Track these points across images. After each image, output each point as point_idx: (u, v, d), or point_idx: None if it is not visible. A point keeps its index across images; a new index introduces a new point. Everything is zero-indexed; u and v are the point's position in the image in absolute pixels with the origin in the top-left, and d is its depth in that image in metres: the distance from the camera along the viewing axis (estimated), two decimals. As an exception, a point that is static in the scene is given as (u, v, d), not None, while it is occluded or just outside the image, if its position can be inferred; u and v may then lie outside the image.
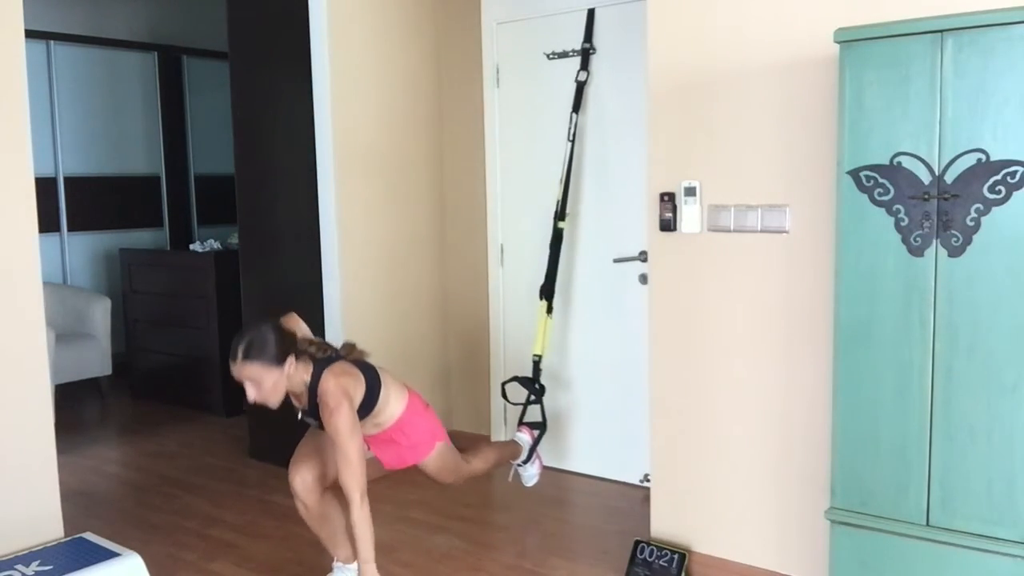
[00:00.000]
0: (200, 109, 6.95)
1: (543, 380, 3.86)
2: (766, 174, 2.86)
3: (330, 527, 2.95)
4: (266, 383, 2.59)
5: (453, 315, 4.61)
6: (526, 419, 3.75)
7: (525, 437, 3.58)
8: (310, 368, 2.69)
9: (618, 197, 3.95)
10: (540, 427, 3.67)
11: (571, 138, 3.92)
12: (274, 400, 2.65)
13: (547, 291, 3.90)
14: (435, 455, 2.99)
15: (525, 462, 3.56)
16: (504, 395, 3.81)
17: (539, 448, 3.61)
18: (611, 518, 3.70)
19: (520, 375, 3.83)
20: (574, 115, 3.93)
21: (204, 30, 6.71)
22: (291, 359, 2.62)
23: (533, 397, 3.79)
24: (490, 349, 4.48)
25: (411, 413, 2.92)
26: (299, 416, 2.85)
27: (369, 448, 2.95)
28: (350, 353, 2.86)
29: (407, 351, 4.38)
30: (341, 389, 2.64)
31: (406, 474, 4.17)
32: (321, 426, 2.75)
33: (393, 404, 2.88)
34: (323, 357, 2.74)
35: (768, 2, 2.80)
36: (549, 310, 3.90)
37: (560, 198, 3.92)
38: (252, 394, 2.62)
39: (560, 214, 3.93)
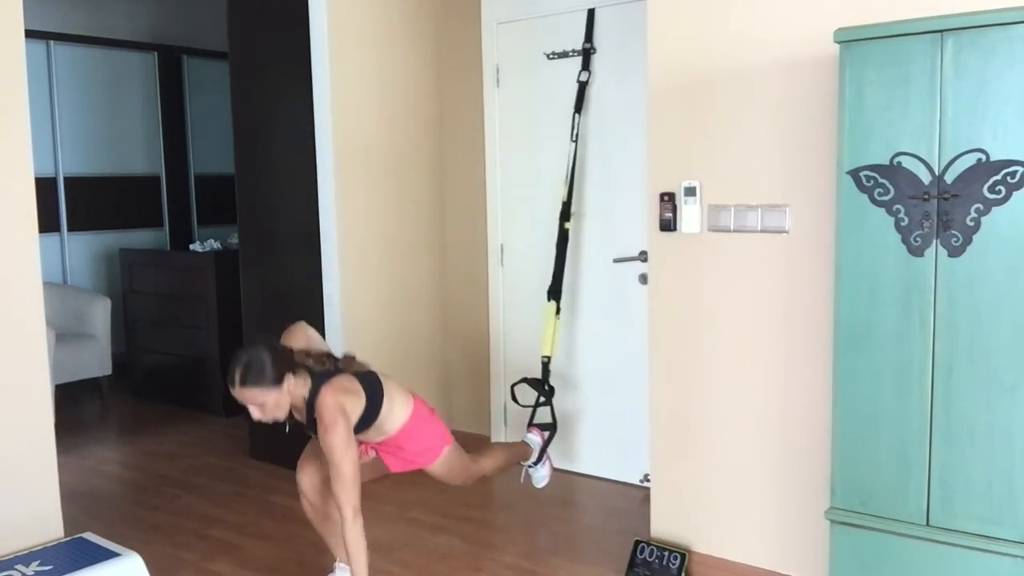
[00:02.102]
0: (200, 109, 6.94)
1: (552, 381, 3.86)
2: (766, 174, 2.86)
3: (334, 527, 2.95)
4: (268, 404, 2.62)
5: (453, 315, 4.61)
6: (536, 420, 3.74)
7: (535, 438, 3.57)
8: (308, 383, 2.69)
9: (618, 197, 3.95)
10: (550, 428, 3.67)
11: (574, 138, 3.92)
12: (280, 415, 2.68)
13: (555, 292, 3.90)
14: (442, 460, 2.99)
15: (536, 463, 3.56)
16: (514, 397, 3.79)
17: (548, 449, 3.61)
18: (611, 518, 3.70)
19: (528, 376, 3.81)
20: (576, 116, 3.93)
21: (204, 30, 6.71)
22: (289, 377, 2.63)
23: (543, 398, 3.78)
24: (490, 349, 4.48)
25: (416, 420, 2.91)
26: (304, 425, 2.85)
27: (377, 454, 2.97)
28: (349, 366, 2.83)
29: (407, 351, 4.38)
30: (337, 406, 2.64)
31: (407, 474, 4.17)
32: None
33: (398, 412, 2.87)
34: (321, 371, 2.73)
35: (768, 2, 2.80)
36: (557, 311, 3.89)
37: (565, 199, 3.92)
38: (256, 414, 2.65)
39: (565, 214, 3.93)
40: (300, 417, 2.77)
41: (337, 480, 2.61)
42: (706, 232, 3.00)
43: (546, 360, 3.86)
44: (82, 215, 6.30)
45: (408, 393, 2.94)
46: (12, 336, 2.87)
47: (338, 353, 2.94)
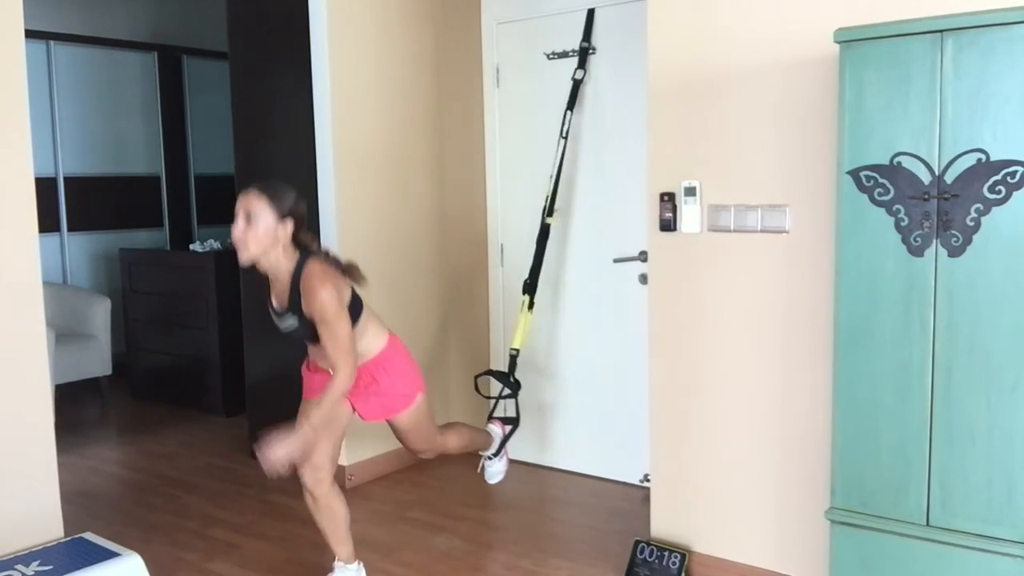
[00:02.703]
0: (200, 109, 6.95)
1: (519, 375, 3.78)
2: (766, 174, 2.86)
3: (335, 522, 2.95)
4: (259, 224, 2.63)
5: (453, 315, 4.61)
6: (498, 414, 3.68)
7: (497, 430, 3.53)
8: (295, 258, 2.69)
9: (618, 197, 3.95)
10: (513, 423, 3.61)
11: (564, 135, 3.91)
12: (252, 247, 2.65)
13: (530, 286, 3.85)
14: (415, 408, 2.95)
15: (493, 456, 3.52)
16: (476, 388, 3.74)
17: (509, 445, 3.56)
18: (611, 518, 3.70)
19: (494, 368, 3.77)
20: (568, 113, 3.92)
21: (204, 30, 6.72)
22: (290, 223, 2.65)
23: (508, 391, 3.71)
24: (490, 349, 4.48)
25: (392, 350, 2.89)
26: (276, 320, 2.81)
27: (350, 403, 2.87)
28: (350, 269, 2.80)
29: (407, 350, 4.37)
30: (327, 274, 2.65)
31: (406, 474, 4.18)
32: (300, 327, 2.71)
33: (373, 334, 2.84)
34: (313, 251, 2.73)
35: (768, 2, 2.80)
36: (531, 306, 3.84)
37: (550, 194, 3.90)
38: (239, 228, 2.65)
39: (549, 210, 3.90)
40: (278, 302, 2.76)
41: (333, 342, 2.60)
42: (706, 232, 3.00)
43: (514, 353, 3.79)
44: (82, 215, 6.31)
45: (384, 327, 2.92)
46: (12, 336, 2.87)
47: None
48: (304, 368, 3.00)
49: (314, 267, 2.67)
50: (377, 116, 4.22)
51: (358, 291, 2.85)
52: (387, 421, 3.00)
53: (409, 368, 2.96)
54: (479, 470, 3.60)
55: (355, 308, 2.78)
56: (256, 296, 4.45)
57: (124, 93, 6.57)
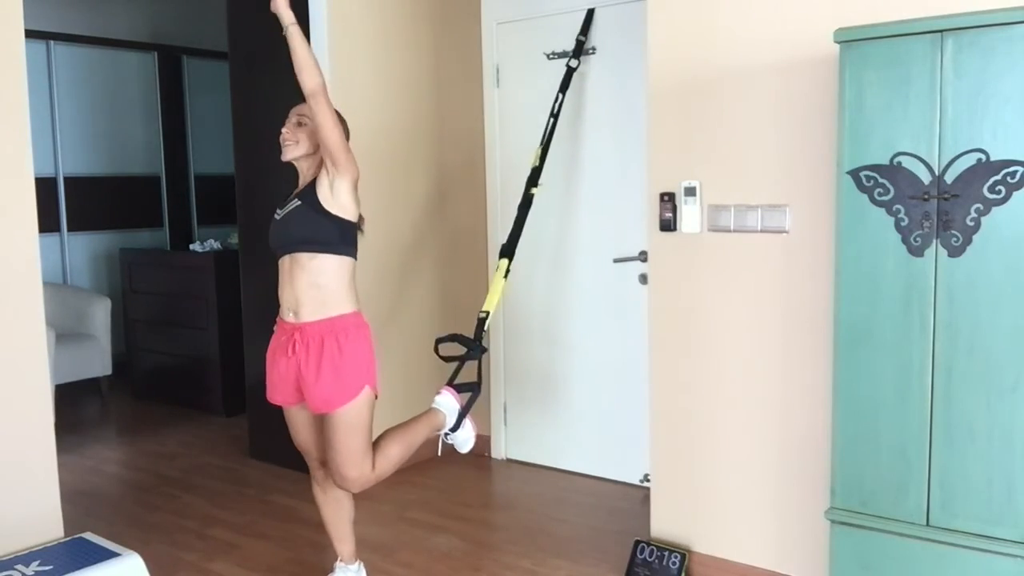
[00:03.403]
0: (200, 109, 6.95)
1: (485, 342, 3.51)
2: (766, 174, 2.86)
3: (340, 515, 2.95)
4: (307, 127, 2.84)
5: (453, 315, 4.61)
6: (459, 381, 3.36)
7: (449, 401, 3.14)
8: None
9: (618, 197, 3.95)
10: (475, 388, 3.26)
11: (554, 113, 3.88)
12: (297, 147, 2.85)
13: (508, 251, 3.69)
14: (359, 402, 2.69)
15: (454, 429, 3.12)
16: (437, 352, 3.36)
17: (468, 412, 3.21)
18: (611, 518, 3.70)
19: (460, 333, 3.44)
20: (560, 94, 3.90)
21: (204, 30, 6.72)
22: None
23: (472, 354, 3.40)
24: (490, 349, 4.47)
25: (358, 324, 2.74)
26: (278, 212, 2.85)
27: (300, 390, 2.74)
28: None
29: (406, 350, 4.38)
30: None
31: (406, 474, 4.18)
32: (295, 211, 2.75)
33: (348, 294, 2.74)
34: None
35: (768, 2, 2.80)
36: (507, 272, 3.67)
37: (536, 164, 3.83)
38: (290, 128, 2.87)
39: (533, 180, 3.81)
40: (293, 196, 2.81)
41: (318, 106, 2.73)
42: (706, 232, 3.00)
43: (484, 316, 3.53)
44: (82, 215, 6.31)
45: (359, 306, 2.80)
46: (12, 336, 2.87)
47: None
48: (268, 353, 2.84)
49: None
50: (377, 116, 4.22)
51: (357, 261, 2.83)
52: (324, 422, 2.75)
53: (365, 353, 2.75)
54: (440, 451, 3.20)
55: (353, 245, 2.78)
56: (256, 296, 4.46)
57: (124, 93, 6.57)
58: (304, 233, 2.71)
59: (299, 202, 2.77)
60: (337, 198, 2.71)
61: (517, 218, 3.81)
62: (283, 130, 2.88)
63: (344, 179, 2.71)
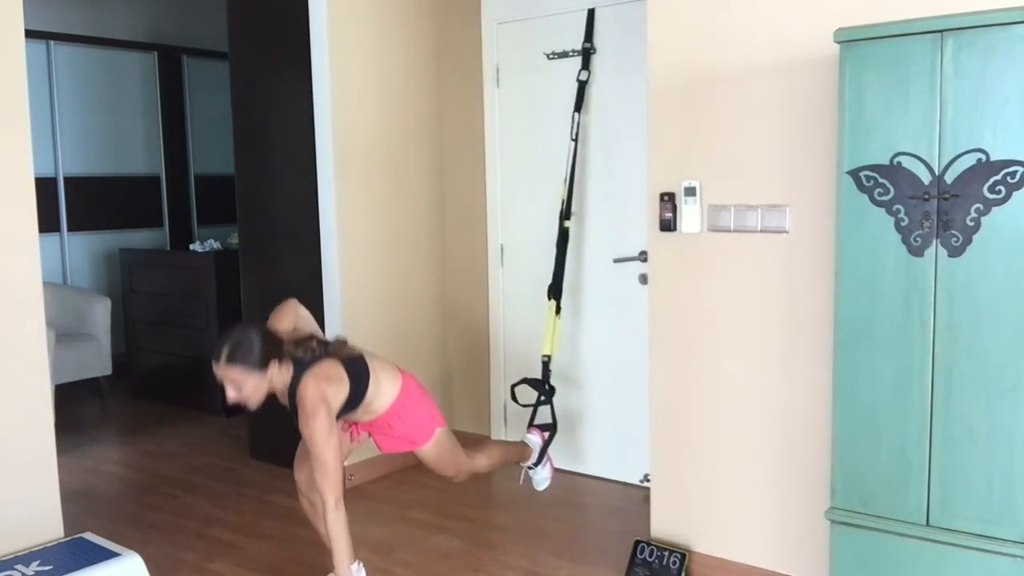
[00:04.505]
0: (200, 109, 6.95)
1: (552, 381, 3.84)
2: (766, 174, 2.86)
3: None
4: (247, 386, 2.60)
5: (453, 315, 4.61)
6: (536, 421, 3.71)
7: (535, 439, 3.54)
8: (291, 370, 2.68)
9: (618, 197, 3.95)
10: (551, 429, 3.63)
11: (574, 137, 3.92)
12: (253, 402, 2.65)
13: (555, 291, 3.87)
14: (434, 442, 2.97)
15: (536, 464, 3.52)
16: (514, 397, 3.75)
17: (549, 450, 3.58)
18: (611, 518, 3.70)
19: (529, 377, 3.79)
20: (576, 115, 3.93)
21: (204, 30, 6.71)
22: (274, 364, 2.62)
23: (544, 398, 3.75)
24: (490, 349, 4.48)
25: (405, 398, 2.89)
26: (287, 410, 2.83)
27: (370, 435, 2.96)
28: (340, 351, 2.80)
29: (407, 351, 4.37)
30: (319, 394, 2.63)
31: (406, 474, 4.18)
32: None
33: (386, 391, 2.85)
34: (304, 357, 2.71)
35: (768, 2, 2.80)
36: (558, 310, 3.87)
37: (565, 197, 3.92)
38: (232, 395, 2.62)
39: (566, 213, 3.92)
40: (283, 402, 2.77)
41: (319, 469, 2.61)
42: (706, 232, 3.00)
43: (546, 359, 3.84)
44: (82, 215, 6.30)
45: (396, 371, 2.92)
46: (12, 336, 2.87)
47: (330, 336, 2.95)
48: None
49: (307, 388, 2.64)
50: (377, 116, 4.22)
51: (360, 352, 2.85)
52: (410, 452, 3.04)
53: (424, 411, 2.96)
54: (522, 481, 3.59)
55: (359, 379, 2.77)
56: (256, 296, 4.46)
57: (124, 93, 6.57)
58: None
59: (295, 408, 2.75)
60: None
61: (557, 255, 3.93)
62: (229, 397, 2.64)
63: None
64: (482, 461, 3.22)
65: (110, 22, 6.45)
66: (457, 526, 3.65)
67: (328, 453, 2.60)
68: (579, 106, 3.94)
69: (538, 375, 3.83)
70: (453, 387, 4.63)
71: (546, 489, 3.61)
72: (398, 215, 4.34)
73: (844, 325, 2.43)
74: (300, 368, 2.68)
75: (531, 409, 3.77)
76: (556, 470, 3.65)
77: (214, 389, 5.34)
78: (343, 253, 4.08)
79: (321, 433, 2.60)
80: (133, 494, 4.12)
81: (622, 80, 3.88)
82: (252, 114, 4.42)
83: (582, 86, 3.94)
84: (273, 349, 2.63)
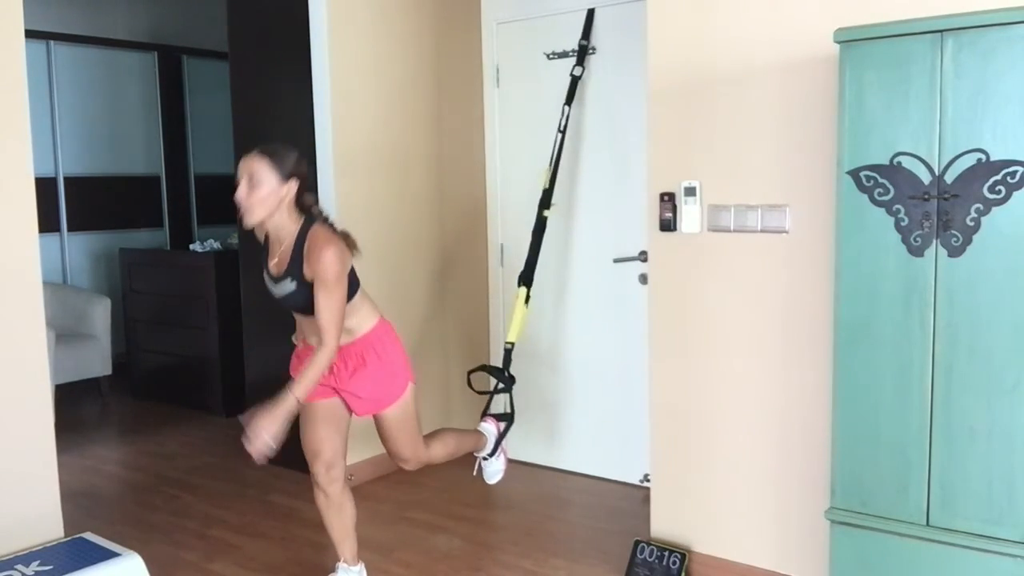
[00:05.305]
0: (200, 109, 6.95)
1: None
2: (766, 174, 2.86)
3: (344, 520, 2.94)
4: (263, 187, 2.60)
5: (453, 315, 4.61)
6: (493, 411, 3.60)
7: (491, 428, 3.44)
8: (300, 220, 2.69)
9: (618, 197, 3.95)
10: (508, 419, 3.52)
11: (561, 129, 3.89)
12: (257, 211, 2.63)
13: (526, 279, 3.79)
14: (405, 399, 2.89)
15: (490, 455, 3.43)
16: (470, 384, 3.63)
17: (507, 443, 3.47)
18: (611, 518, 3.70)
19: (489, 364, 3.71)
20: (567, 107, 3.92)
21: (204, 30, 6.72)
22: (294, 183, 2.64)
23: (503, 386, 3.64)
24: (490, 349, 4.48)
25: (384, 332, 2.87)
26: (271, 285, 2.77)
27: (339, 397, 2.86)
28: (344, 240, 2.77)
29: (407, 350, 4.36)
30: (333, 237, 2.66)
31: (406, 474, 4.18)
32: (294, 293, 2.67)
33: (367, 313, 2.84)
34: (316, 215, 2.74)
35: (768, 2, 2.80)
36: (527, 299, 3.78)
37: (547, 187, 3.88)
38: (242, 192, 2.62)
39: (545, 202, 3.86)
40: (279, 265, 2.71)
41: (327, 308, 2.58)
42: (706, 232, 3.00)
43: (509, 347, 3.72)
44: (82, 215, 6.31)
45: (377, 310, 2.92)
46: (12, 336, 2.87)
47: None
48: (294, 356, 2.97)
49: (320, 230, 2.68)
50: (377, 116, 4.22)
51: (355, 265, 2.83)
52: (375, 418, 2.93)
53: (400, 354, 2.92)
54: (475, 472, 3.51)
55: (352, 282, 2.76)
56: (256, 296, 4.46)
57: (124, 93, 6.57)
58: (306, 302, 2.69)
59: (292, 284, 2.70)
60: None
61: (532, 243, 3.84)
62: (237, 193, 2.65)
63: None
64: (437, 448, 3.13)
65: (110, 22, 6.45)
66: (457, 526, 3.65)
67: (339, 290, 2.59)
68: (570, 99, 3.92)
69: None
70: (453, 386, 4.62)
71: (498, 483, 3.53)
72: (398, 215, 4.34)
73: (844, 325, 2.43)
74: (310, 220, 2.71)
75: (487, 397, 3.65)
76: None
77: (214, 389, 5.40)
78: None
79: (336, 264, 2.57)
80: (133, 494, 4.12)
81: (622, 80, 3.88)
82: (252, 114, 4.42)
83: (575, 80, 3.94)
84: (302, 173, 2.67)
